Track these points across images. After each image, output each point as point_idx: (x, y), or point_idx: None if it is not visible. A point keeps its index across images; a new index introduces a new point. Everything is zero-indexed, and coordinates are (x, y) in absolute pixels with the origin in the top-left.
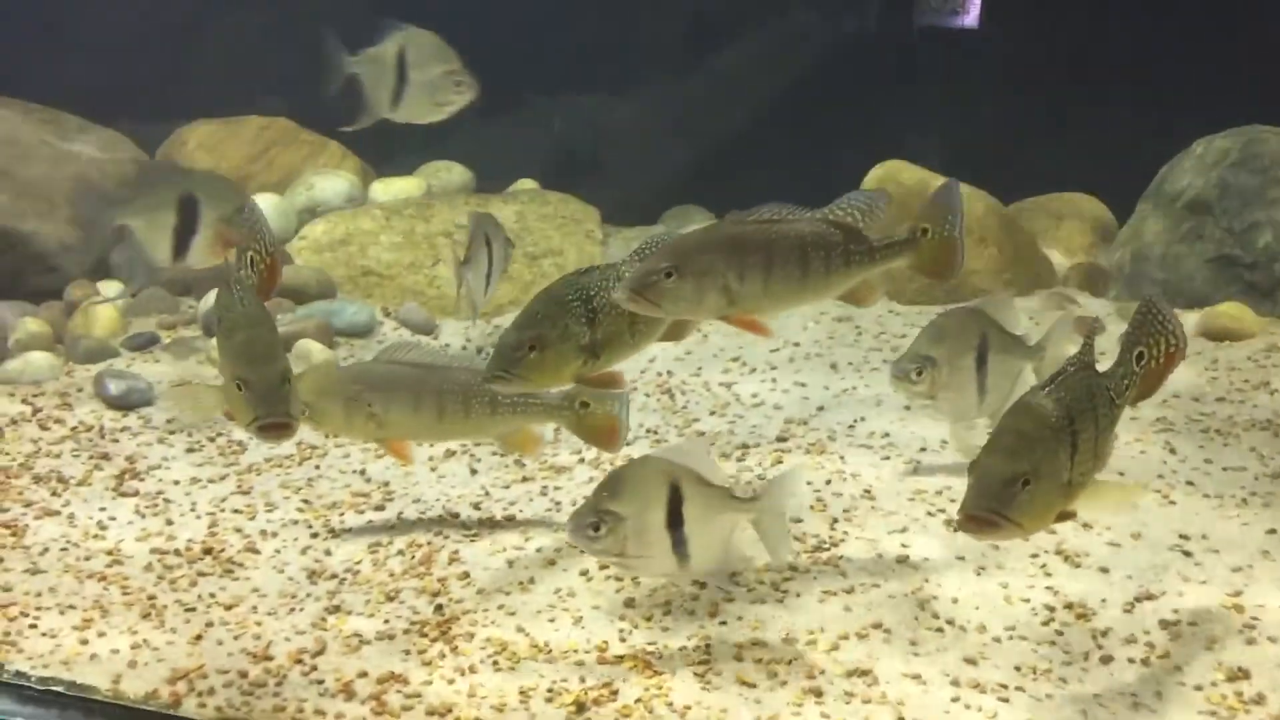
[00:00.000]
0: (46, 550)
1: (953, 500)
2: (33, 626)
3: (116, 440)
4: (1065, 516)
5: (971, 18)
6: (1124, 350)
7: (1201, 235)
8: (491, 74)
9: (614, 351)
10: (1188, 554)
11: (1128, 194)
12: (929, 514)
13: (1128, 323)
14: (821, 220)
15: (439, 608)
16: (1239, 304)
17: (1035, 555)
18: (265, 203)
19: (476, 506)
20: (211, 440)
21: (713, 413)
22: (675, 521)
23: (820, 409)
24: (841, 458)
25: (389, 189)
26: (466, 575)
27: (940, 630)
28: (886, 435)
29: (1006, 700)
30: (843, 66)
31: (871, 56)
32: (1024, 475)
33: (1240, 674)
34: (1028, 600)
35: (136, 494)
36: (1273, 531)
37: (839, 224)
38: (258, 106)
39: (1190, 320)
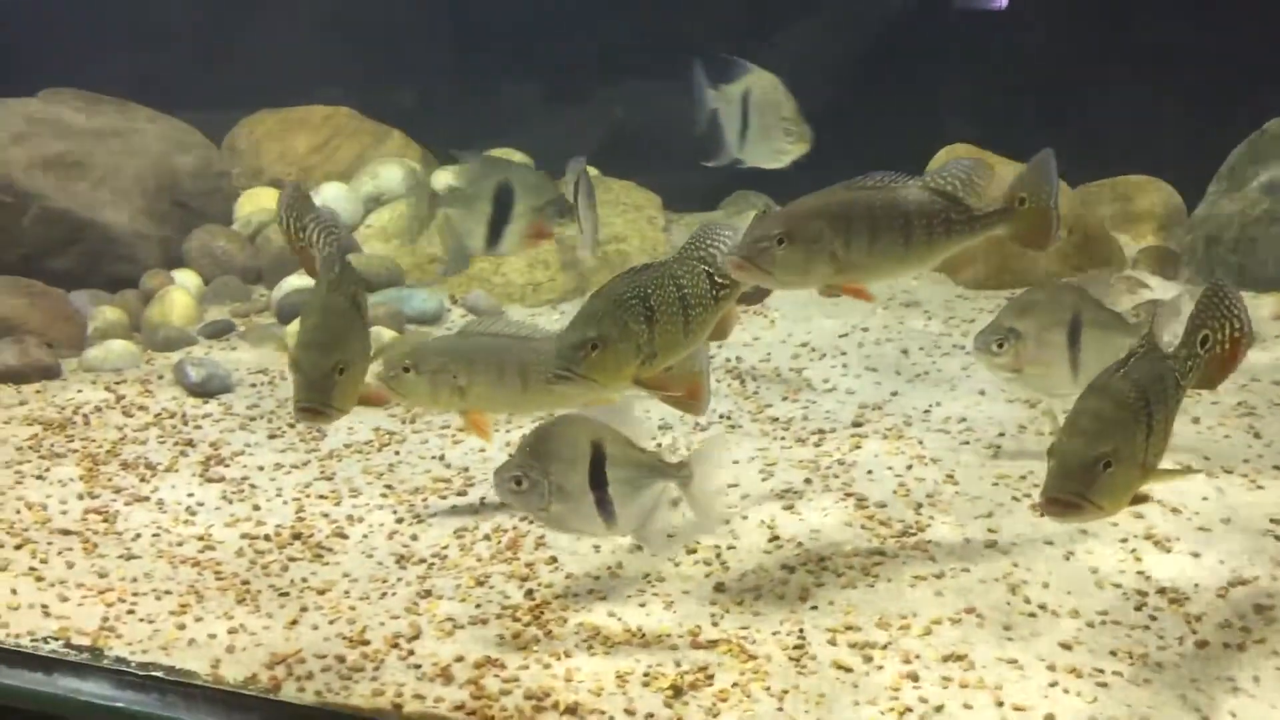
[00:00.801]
0: (139, 536)
1: (1036, 485)
2: (130, 612)
3: (199, 427)
4: (1139, 499)
5: None
6: (1188, 333)
7: (1277, 218)
8: (551, 62)
9: (668, 351)
10: (1279, 538)
11: (1195, 176)
12: (1014, 498)
13: (1194, 305)
14: (924, 189)
15: (529, 593)
16: None
17: (1124, 540)
18: (332, 191)
19: None
20: (292, 426)
21: (784, 398)
22: (598, 481)
23: (894, 394)
24: (920, 442)
25: (451, 177)
26: (554, 560)
27: (1033, 615)
28: (964, 420)
29: (1105, 685)
30: (902, 50)
31: (932, 40)
32: (1105, 457)
33: None
34: (1119, 585)
35: (222, 480)
36: None
37: (941, 192)
38: (318, 96)
39: (1266, 304)
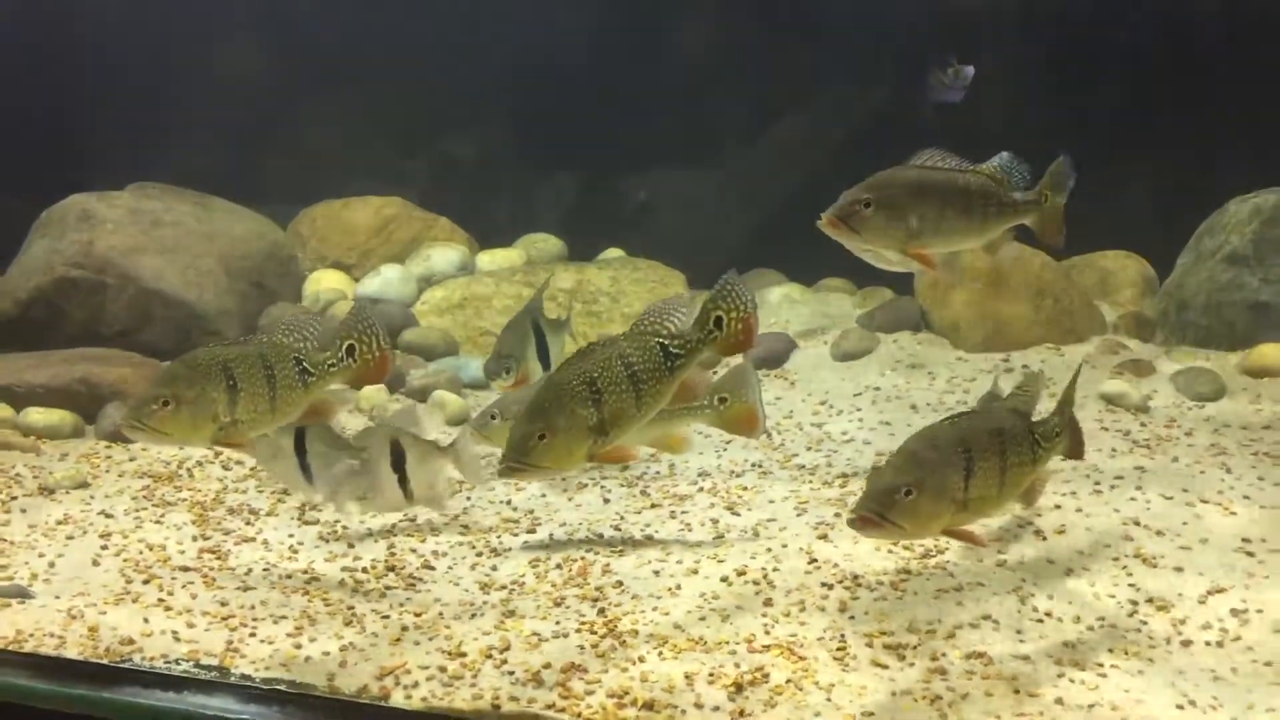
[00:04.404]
0: (250, 570)
1: (1039, 514)
2: (252, 635)
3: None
4: (966, 537)
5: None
6: (1057, 408)
7: (1240, 285)
8: (582, 154)
9: (621, 426)
10: (1250, 554)
11: (1167, 250)
12: (1019, 526)
13: (1063, 388)
14: (982, 172)
15: (601, 610)
16: (1276, 344)
17: (1117, 559)
18: (392, 271)
19: (616, 528)
20: None
21: (809, 448)
22: (399, 466)
23: None
24: None
25: (493, 259)
26: (620, 584)
27: (1041, 621)
28: None
29: (1105, 675)
30: (884, 139)
31: (921, 127)
32: (907, 486)
33: None
34: (1114, 596)
35: (318, 522)
36: None
37: (994, 178)
38: (373, 188)
39: (1232, 360)
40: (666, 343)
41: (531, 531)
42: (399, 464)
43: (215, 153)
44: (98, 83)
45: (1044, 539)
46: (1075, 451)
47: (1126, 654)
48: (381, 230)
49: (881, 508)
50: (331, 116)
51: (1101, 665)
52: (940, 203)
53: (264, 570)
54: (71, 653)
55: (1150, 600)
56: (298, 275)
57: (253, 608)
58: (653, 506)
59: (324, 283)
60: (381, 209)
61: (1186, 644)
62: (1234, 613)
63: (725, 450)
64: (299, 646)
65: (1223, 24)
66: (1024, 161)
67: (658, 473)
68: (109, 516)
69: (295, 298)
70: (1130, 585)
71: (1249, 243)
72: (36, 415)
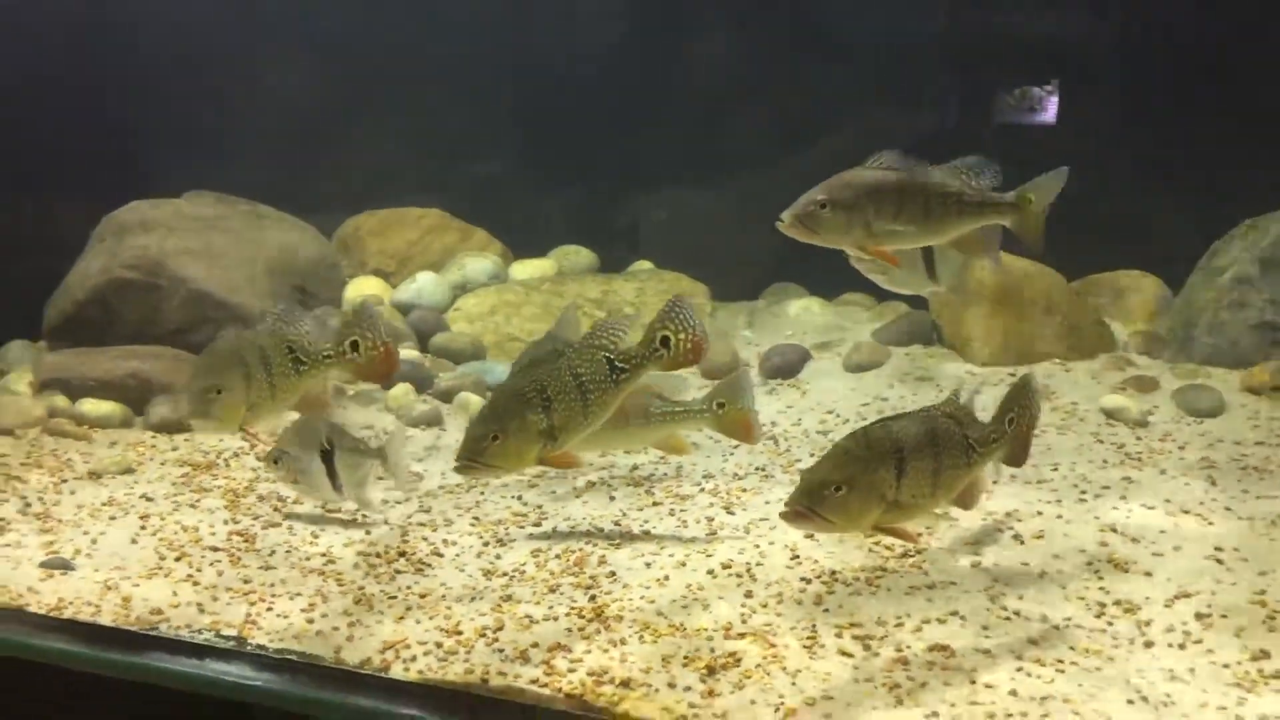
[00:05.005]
0: (274, 552)
1: (1019, 520)
2: (269, 610)
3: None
4: (900, 534)
5: (1048, 115)
6: (998, 413)
7: (1245, 304)
8: (616, 169)
9: (569, 432)
10: (1220, 562)
11: (1182, 270)
12: (999, 530)
13: (1007, 391)
14: (943, 172)
15: (593, 598)
16: (1278, 363)
17: (1090, 563)
18: (426, 279)
19: (617, 524)
20: None
21: (812, 455)
22: (329, 460)
23: None
24: None
25: (526, 269)
26: (613, 574)
27: (1008, 619)
28: None
29: (1063, 671)
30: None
31: (944, 151)
32: (837, 483)
33: (1262, 654)
34: (1083, 598)
35: (339, 511)
36: None
37: (956, 177)
38: (414, 200)
39: (1235, 378)
40: (613, 358)
41: (537, 525)
42: (329, 460)
43: (267, 164)
44: (157, 96)
45: (1022, 543)
46: (1015, 459)
47: (1088, 652)
48: (420, 240)
49: (812, 502)
50: (378, 131)
51: (1061, 661)
52: (898, 201)
53: (286, 552)
54: (105, 620)
55: (1118, 603)
56: (339, 281)
57: (272, 585)
58: (654, 505)
59: (363, 288)
60: (421, 219)
61: (1149, 645)
62: (1198, 616)
63: (732, 454)
64: (311, 621)
65: (1247, 42)
66: (994, 162)
67: (665, 474)
68: (149, 500)
69: (336, 302)
70: (1100, 588)
71: (1256, 263)
72: (89, 406)
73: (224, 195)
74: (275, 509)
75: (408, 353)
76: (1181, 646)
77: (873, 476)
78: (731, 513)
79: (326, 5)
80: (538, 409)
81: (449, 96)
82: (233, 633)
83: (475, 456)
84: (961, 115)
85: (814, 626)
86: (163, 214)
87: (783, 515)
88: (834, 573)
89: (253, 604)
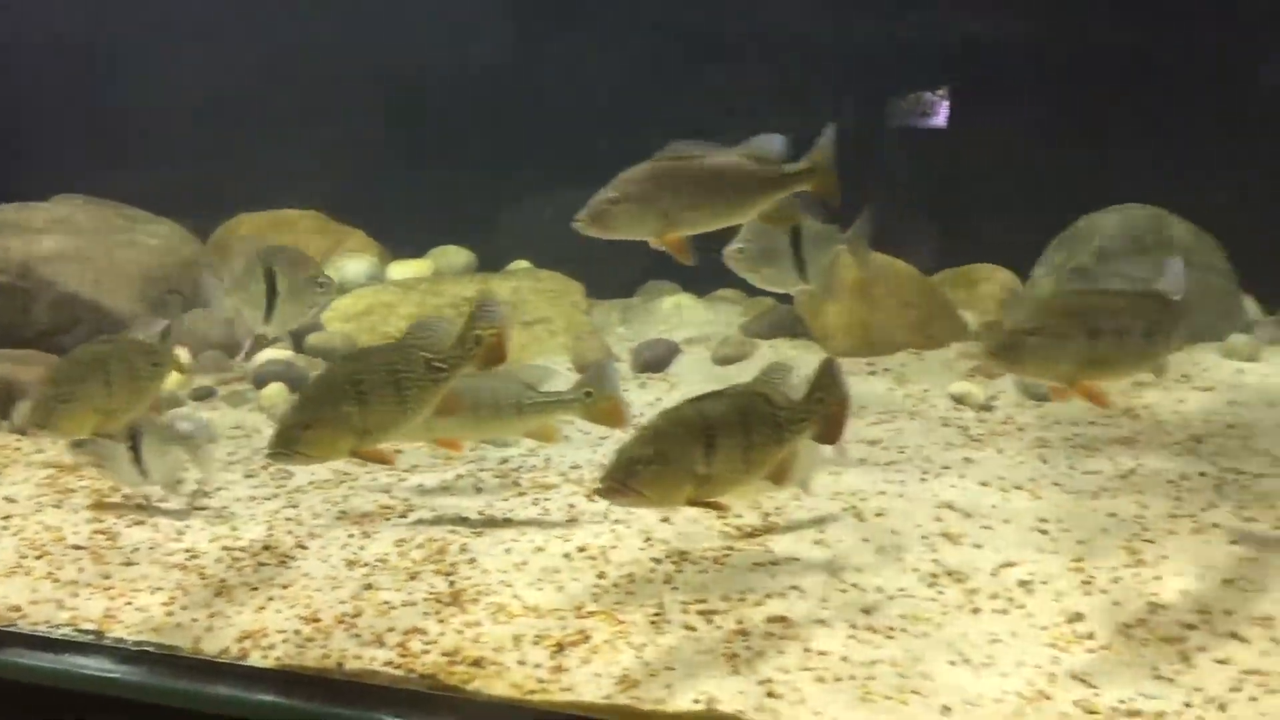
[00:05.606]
0: (137, 549)
1: (864, 499)
2: (128, 604)
3: (188, 469)
4: (713, 505)
5: (940, 119)
6: (806, 394)
7: None
8: (493, 171)
9: (384, 428)
10: (1044, 533)
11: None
12: (844, 509)
13: (814, 373)
14: (735, 153)
15: (451, 583)
16: None
17: (925, 537)
18: None
19: (481, 514)
20: (265, 468)
21: None
22: (136, 450)
23: None
24: None
25: (404, 269)
26: (474, 561)
27: (845, 591)
28: None
29: (893, 637)
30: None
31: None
32: (649, 458)
33: (1077, 617)
34: (918, 570)
35: (206, 509)
36: (1113, 515)
37: (750, 155)
38: (290, 201)
39: None
40: (430, 356)
41: (404, 516)
42: (135, 445)
43: (140, 168)
44: (26, 96)
45: (864, 521)
46: (826, 437)
47: (918, 619)
48: (297, 242)
49: (626, 476)
50: (255, 133)
51: (892, 629)
52: (691, 188)
53: (150, 549)
54: None
55: (949, 573)
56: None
57: (133, 581)
58: (520, 494)
59: None
60: (298, 221)
61: (975, 611)
62: (1020, 583)
63: (600, 445)
64: (170, 614)
65: (1087, 55)
66: (781, 137)
67: (533, 465)
68: (12, 501)
69: (209, 305)
70: (933, 560)
71: (1092, 255)
72: None
73: (93, 198)
74: (140, 508)
75: (281, 352)
76: (1004, 612)
77: (683, 452)
78: (593, 500)
79: (198, 6)
80: (352, 401)
81: (327, 98)
82: (92, 627)
83: (288, 445)
84: (857, 118)
85: (661, 604)
86: (30, 217)
87: (597, 490)
88: (684, 553)
89: (113, 599)
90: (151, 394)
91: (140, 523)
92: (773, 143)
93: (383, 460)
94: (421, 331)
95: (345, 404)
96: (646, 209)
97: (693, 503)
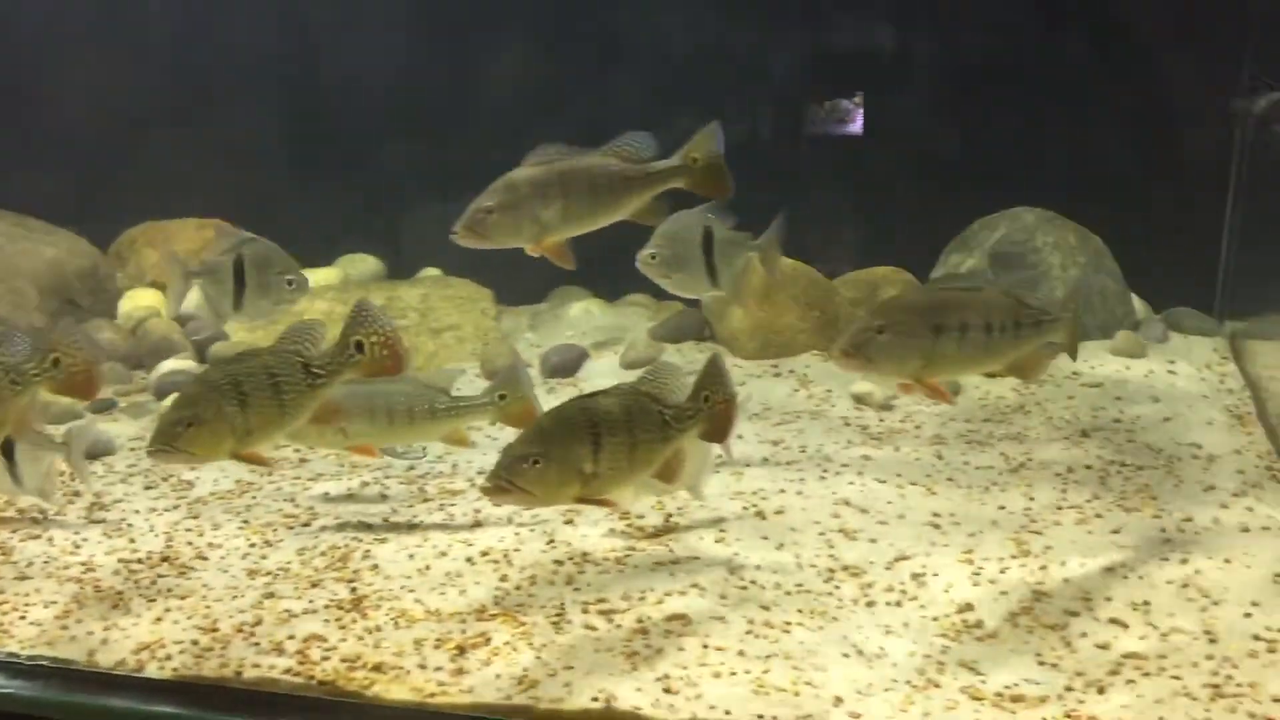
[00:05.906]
0: (31, 564)
1: (764, 499)
2: (22, 618)
3: (85, 482)
4: (602, 503)
5: (855, 126)
6: (692, 393)
7: None
8: (402, 178)
9: (265, 429)
10: (937, 527)
11: (929, 266)
12: (745, 508)
13: (700, 372)
14: (601, 154)
15: (353, 590)
16: None
17: (823, 534)
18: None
19: (386, 520)
20: (165, 480)
21: None
22: (9, 455)
23: None
24: None
25: (312, 277)
26: (376, 567)
27: (744, 588)
28: (719, 455)
29: (789, 631)
30: None
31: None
32: (535, 456)
33: (967, 607)
34: (814, 565)
35: (104, 521)
36: (1002, 508)
37: (617, 155)
38: (193, 210)
39: None
40: (309, 361)
41: (307, 525)
42: (9, 453)
43: (35, 176)
44: None
45: (764, 519)
46: (715, 435)
47: (814, 614)
48: (201, 250)
49: (511, 475)
50: (157, 139)
51: (789, 624)
52: (564, 192)
53: (45, 562)
54: None
55: (846, 568)
56: (114, 294)
57: (27, 595)
58: (425, 500)
59: (139, 301)
60: (201, 229)
61: (870, 604)
62: (914, 576)
63: None
64: (65, 627)
65: (985, 58)
66: (648, 134)
67: (440, 471)
68: None
69: (110, 315)
70: (830, 556)
71: (986, 256)
72: None
73: None
74: (36, 522)
75: (183, 363)
76: (898, 604)
77: (568, 450)
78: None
79: (100, 9)
80: (233, 401)
81: (232, 105)
82: None
83: (169, 442)
84: (774, 126)
85: (563, 604)
86: None
87: (483, 489)
88: (586, 555)
89: (5, 613)
90: (16, 409)
91: (35, 536)
92: (640, 140)
93: (261, 462)
94: (296, 335)
95: (227, 404)
96: (520, 217)
97: (581, 501)
